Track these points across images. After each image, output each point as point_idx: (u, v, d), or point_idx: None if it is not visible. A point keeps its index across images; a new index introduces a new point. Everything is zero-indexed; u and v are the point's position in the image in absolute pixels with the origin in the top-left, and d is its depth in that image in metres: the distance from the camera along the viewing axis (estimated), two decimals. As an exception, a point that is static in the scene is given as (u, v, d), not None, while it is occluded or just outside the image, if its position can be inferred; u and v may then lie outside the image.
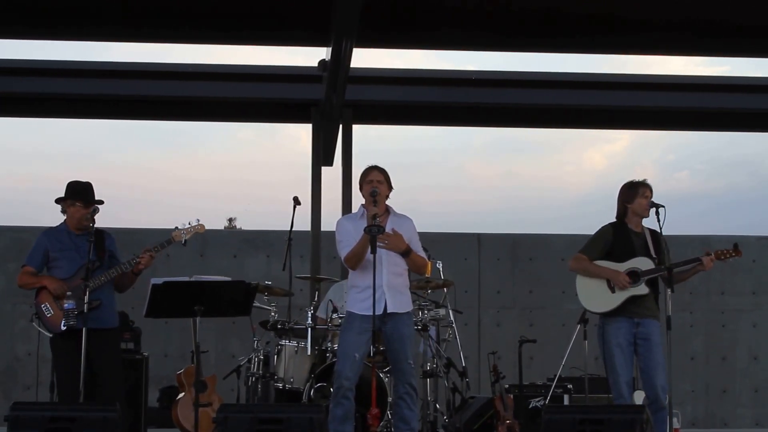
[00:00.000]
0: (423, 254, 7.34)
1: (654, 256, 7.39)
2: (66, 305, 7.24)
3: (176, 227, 7.56)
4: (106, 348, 7.35)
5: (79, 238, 7.45)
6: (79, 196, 7.47)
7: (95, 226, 7.35)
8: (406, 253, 7.12)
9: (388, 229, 7.08)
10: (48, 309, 7.29)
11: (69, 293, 7.18)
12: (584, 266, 7.57)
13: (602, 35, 10.91)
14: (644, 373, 7.42)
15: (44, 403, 7.35)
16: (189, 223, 7.58)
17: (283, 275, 8.92)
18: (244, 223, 39.54)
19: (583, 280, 7.61)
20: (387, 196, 7.26)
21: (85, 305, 7.05)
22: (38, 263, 7.51)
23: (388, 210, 7.27)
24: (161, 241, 7.46)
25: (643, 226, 7.54)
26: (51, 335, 7.29)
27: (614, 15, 10.55)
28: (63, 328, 7.11)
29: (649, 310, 7.37)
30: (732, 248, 7.45)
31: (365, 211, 7.23)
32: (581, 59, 14.84)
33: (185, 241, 7.57)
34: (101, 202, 7.50)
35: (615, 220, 7.68)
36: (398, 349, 7.14)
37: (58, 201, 7.54)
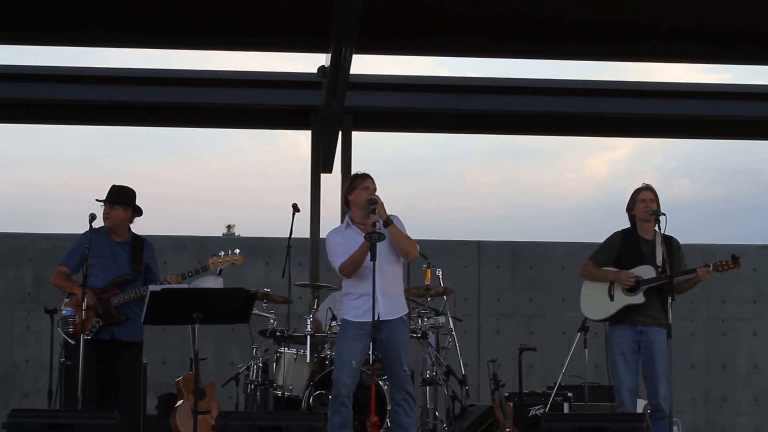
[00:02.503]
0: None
1: (659, 264, 7.35)
2: (64, 312, 7.25)
3: (214, 255, 7.61)
4: (130, 361, 7.43)
5: (117, 246, 7.48)
6: (106, 197, 7.50)
7: (135, 233, 7.49)
8: (386, 223, 7.01)
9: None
10: (75, 318, 7.27)
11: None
12: (589, 271, 7.62)
13: (603, 42, 10.91)
14: (647, 381, 7.41)
15: (43, 410, 7.37)
16: (229, 252, 7.63)
17: (282, 282, 8.90)
18: (243, 230, 39.53)
19: (587, 287, 7.64)
20: None
21: (83, 312, 7.04)
22: (75, 265, 7.53)
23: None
24: (196, 266, 7.53)
25: (656, 233, 7.50)
26: (72, 342, 7.29)
27: (615, 22, 10.54)
28: (87, 337, 7.09)
29: (653, 318, 7.33)
30: (730, 260, 7.40)
31: (350, 221, 7.20)
32: (582, 66, 14.82)
33: (221, 270, 7.60)
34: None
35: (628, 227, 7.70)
36: (393, 356, 7.12)
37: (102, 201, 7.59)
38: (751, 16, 10.31)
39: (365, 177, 7.25)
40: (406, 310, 7.33)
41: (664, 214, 7.43)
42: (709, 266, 7.35)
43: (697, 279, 7.41)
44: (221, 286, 8.30)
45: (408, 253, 7.19)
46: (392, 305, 7.12)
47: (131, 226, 7.74)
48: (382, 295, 7.03)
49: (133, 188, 7.69)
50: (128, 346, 7.45)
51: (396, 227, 7.05)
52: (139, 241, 7.61)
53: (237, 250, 7.72)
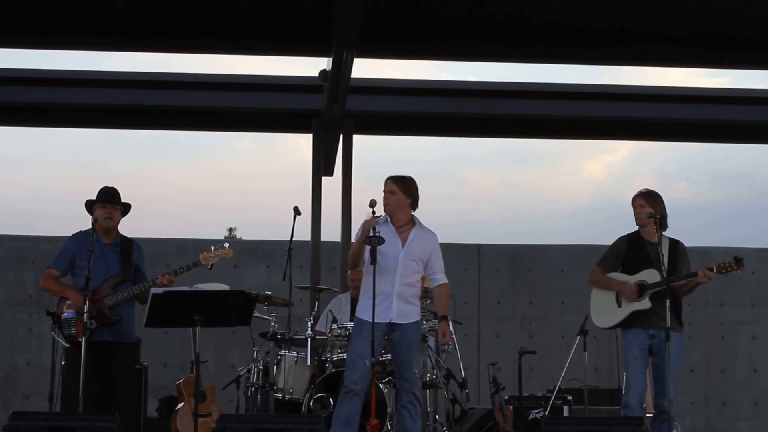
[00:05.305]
0: (442, 274, 7.39)
1: (663, 267, 7.36)
2: (65, 315, 7.25)
3: (204, 250, 7.59)
4: (123, 361, 7.44)
5: (107, 247, 7.47)
6: (105, 197, 7.49)
7: (123, 234, 7.49)
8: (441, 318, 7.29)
9: (410, 239, 7.18)
10: (75, 320, 7.27)
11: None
12: (597, 278, 7.66)
13: (602, 47, 10.94)
14: (657, 382, 7.45)
15: (43, 412, 7.35)
16: (218, 247, 7.61)
17: (283, 285, 8.91)
18: (244, 233, 39.55)
19: (596, 294, 7.69)
20: (411, 205, 7.33)
21: (84, 314, 7.05)
22: (63, 267, 7.51)
23: (413, 221, 7.30)
24: (187, 263, 7.51)
25: (662, 236, 7.52)
26: (68, 345, 7.30)
27: (614, 26, 10.58)
28: (81, 339, 7.09)
29: (664, 321, 7.27)
30: (733, 261, 7.41)
31: (388, 218, 7.26)
32: (581, 70, 14.93)
33: (212, 265, 7.59)
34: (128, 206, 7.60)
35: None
36: (404, 357, 7.16)
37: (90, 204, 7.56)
38: (749, 22, 10.35)
39: (386, 180, 7.34)
40: (419, 317, 7.39)
41: (657, 216, 7.46)
42: (712, 269, 7.36)
43: (697, 281, 7.41)
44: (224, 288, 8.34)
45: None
46: (405, 309, 7.19)
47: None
48: (398, 297, 7.13)
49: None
50: (122, 347, 7.44)
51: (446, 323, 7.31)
52: (128, 242, 7.61)
53: (226, 244, 7.70)
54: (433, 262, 7.32)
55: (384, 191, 7.29)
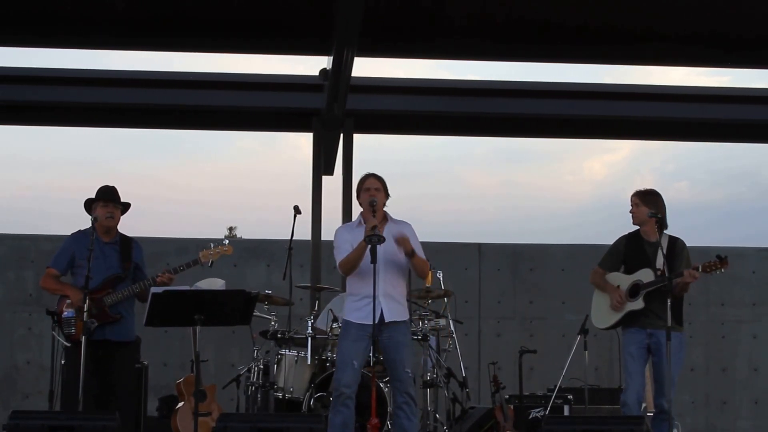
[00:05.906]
0: (424, 257, 7.33)
1: (658, 267, 7.37)
2: (65, 314, 7.24)
3: (204, 247, 7.57)
4: (124, 361, 7.44)
5: (107, 246, 7.46)
6: (106, 196, 7.47)
7: (122, 233, 7.50)
8: (410, 254, 7.09)
9: (386, 235, 7.07)
10: (75, 319, 7.26)
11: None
12: (595, 280, 7.74)
13: (603, 45, 10.93)
14: (656, 382, 7.48)
15: (43, 411, 7.36)
16: (218, 244, 7.60)
17: (283, 284, 8.92)
18: (244, 233, 39.52)
19: (597, 295, 7.76)
20: (384, 204, 7.27)
21: (85, 313, 7.05)
22: (63, 267, 7.51)
23: (386, 217, 7.27)
24: (187, 260, 7.49)
25: (661, 235, 7.52)
26: (68, 344, 7.30)
27: (615, 25, 10.57)
28: (82, 338, 7.08)
29: (661, 320, 7.25)
30: (717, 260, 7.36)
31: (362, 219, 7.22)
32: (582, 69, 14.91)
33: (212, 262, 7.57)
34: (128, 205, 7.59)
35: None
36: (395, 358, 7.13)
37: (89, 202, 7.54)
38: (751, 20, 10.34)
39: (367, 178, 7.28)
40: (408, 316, 7.35)
41: (659, 215, 7.47)
42: (697, 268, 7.35)
43: (683, 281, 7.38)
44: (223, 287, 8.34)
45: (423, 276, 7.53)
46: (394, 309, 7.14)
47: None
48: (385, 297, 7.07)
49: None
50: (122, 346, 7.44)
51: (419, 257, 7.15)
52: (127, 240, 7.61)
53: (226, 241, 7.69)
54: (415, 248, 7.26)
55: (368, 188, 7.21)
